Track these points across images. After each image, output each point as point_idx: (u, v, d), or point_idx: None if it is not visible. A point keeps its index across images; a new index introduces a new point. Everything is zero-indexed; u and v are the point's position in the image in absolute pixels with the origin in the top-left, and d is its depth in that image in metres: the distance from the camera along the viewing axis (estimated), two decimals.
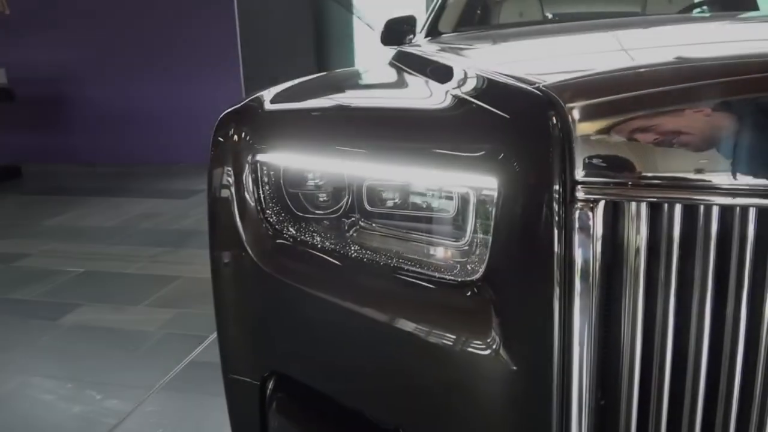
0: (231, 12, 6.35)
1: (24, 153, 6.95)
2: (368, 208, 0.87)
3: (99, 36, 6.76)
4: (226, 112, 1.00)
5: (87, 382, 2.13)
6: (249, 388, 1.02)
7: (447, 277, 0.76)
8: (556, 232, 0.65)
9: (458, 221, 0.78)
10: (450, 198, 0.79)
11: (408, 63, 1.44)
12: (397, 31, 2.61)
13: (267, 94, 1.03)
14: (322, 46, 8.43)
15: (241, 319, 1.00)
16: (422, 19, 2.61)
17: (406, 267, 0.80)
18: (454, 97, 0.87)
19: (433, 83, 1.07)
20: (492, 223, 0.72)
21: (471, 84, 0.92)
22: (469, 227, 0.76)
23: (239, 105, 1.01)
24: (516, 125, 0.71)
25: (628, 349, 0.66)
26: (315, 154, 0.91)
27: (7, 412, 1.97)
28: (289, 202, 0.96)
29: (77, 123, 7.06)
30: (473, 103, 0.80)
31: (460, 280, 0.75)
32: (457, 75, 1.00)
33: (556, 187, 0.65)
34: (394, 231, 0.84)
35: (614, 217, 0.64)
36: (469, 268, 0.75)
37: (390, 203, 0.85)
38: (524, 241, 0.68)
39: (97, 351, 2.39)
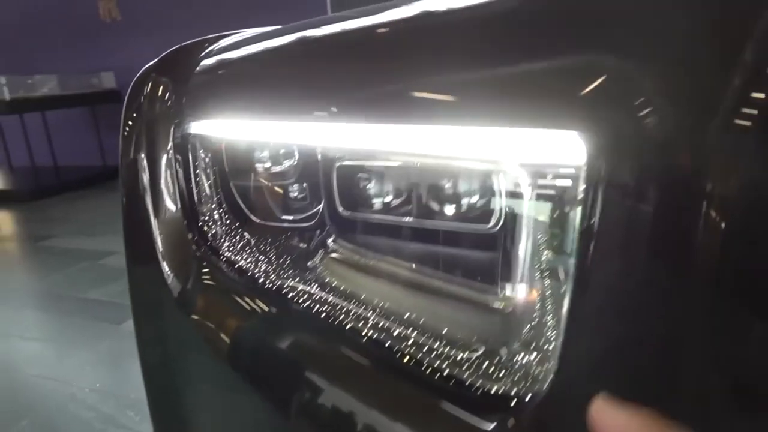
0: None
1: None
2: (342, 211, 0.46)
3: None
4: (146, 66, 0.64)
5: (125, 400, 1.91)
6: None
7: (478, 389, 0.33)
8: None
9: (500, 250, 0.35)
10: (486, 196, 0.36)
11: None
12: None
13: (212, 40, 0.65)
14: None
15: (163, 391, 0.63)
16: None
17: (393, 357, 0.37)
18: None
19: None
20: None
21: None
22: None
23: (166, 54, 0.64)
24: None
25: None
26: (275, 120, 0.51)
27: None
28: (238, 199, 0.58)
29: None
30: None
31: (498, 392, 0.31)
32: None
33: None
34: (377, 262, 0.42)
35: None
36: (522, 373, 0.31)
37: (377, 203, 0.44)
38: None
39: None
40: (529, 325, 0.31)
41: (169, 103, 0.59)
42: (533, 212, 0.31)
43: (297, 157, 0.53)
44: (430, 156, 0.37)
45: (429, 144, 0.35)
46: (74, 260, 3.40)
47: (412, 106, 0.33)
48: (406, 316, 0.38)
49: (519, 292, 0.32)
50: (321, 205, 0.50)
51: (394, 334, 0.38)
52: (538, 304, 0.31)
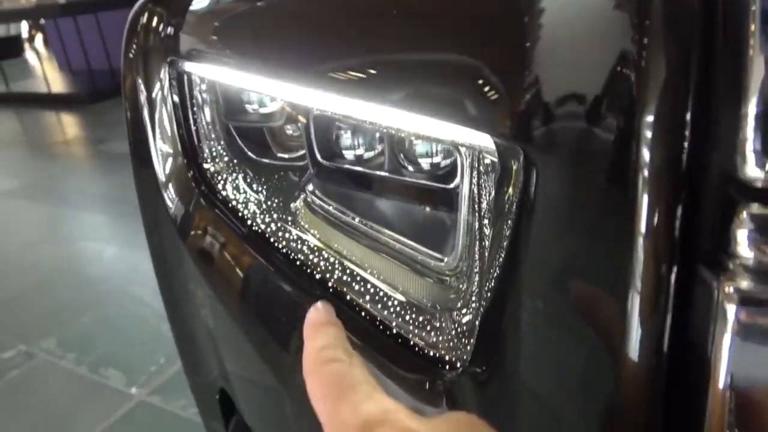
0: None
1: None
2: (320, 159, 0.46)
3: None
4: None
5: None
6: (210, 400, 0.72)
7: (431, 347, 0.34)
8: None
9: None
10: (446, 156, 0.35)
11: None
12: None
13: None
14: None
15: (181, 316, 0.67)
16: None
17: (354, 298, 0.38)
18: None
19: None
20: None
21: None
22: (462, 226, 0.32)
23: None
24: None
25: None
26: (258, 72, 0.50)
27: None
28: (235, 136, 0.59)
29: None
30: None
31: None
32: None
33: None
34: (345, 214, 0.43)
35: None
36: (453, 326, 0.32)
37: (350, 155, 0.43)
38: None
39: None
40: (467, 293, 0.31)
41: (163, 36, 0.59)
42: (478, 185, 0.30)
43: (282, 100, 0.52)
44: (399, 123, 0.36)
45: (389, 117, 0.34)
46: (130, 164, 3.55)
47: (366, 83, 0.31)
48: (365, 271, 0.38)
49: (465, 258, 0.32)
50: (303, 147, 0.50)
51: (354, 287, 0.39)
52: (477, 273, 0.31)
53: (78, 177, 3.67)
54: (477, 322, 0.28)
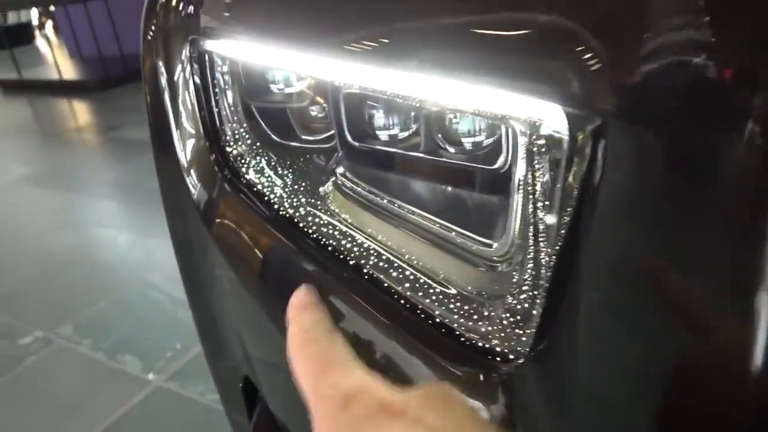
0: None
1: None
2: (350, 140, 0.44)
3: None
4: None
5: None
6: (234, 388, 0.71)
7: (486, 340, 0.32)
8: None
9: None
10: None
11: None
12: None
13: None
14: None
15: (203, 302, 0.66)
16: None
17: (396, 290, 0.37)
18: None
19: None
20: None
21: None
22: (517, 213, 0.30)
23: None
24: None
25: None
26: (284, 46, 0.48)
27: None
28: (259, 118, 0.57)
29: None
30: None
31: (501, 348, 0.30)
32: None
33: None
34: (380, 198, 0.41)
35: None
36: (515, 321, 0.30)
37: (384, 135, 0.41)
38: None
39: None
40: (521, 280, 0.29)
41: (183, 14, 0.57)
42: (534, 164, 0.28)
43: (309, 79, 0.50)
44: (437, 96, 0.34)
45: (433, 89, 0.32)
46: (143, 150, 3.54)
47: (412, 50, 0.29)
48: (404, 257, 0.37)
49: (517, 243, 0.30)
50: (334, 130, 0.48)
51: (392, 274, 0.37)
52: (532, 260, 0.29)
53: (91, 164, 3.68)
54: (536, 311, 0.26)
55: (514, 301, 0.28)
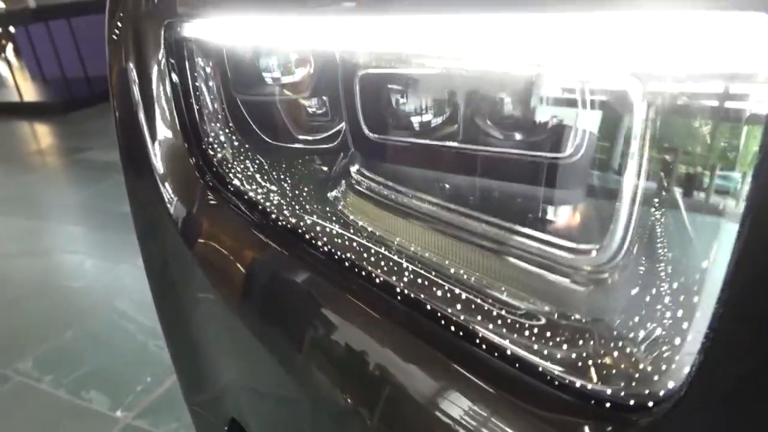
0: None
1: None
2: (367, 133, 0.36)
3: None
4: None
5: None
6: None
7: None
8: None
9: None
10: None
11: None
12: None
13: None
14: None
15: (181, 332, 0.57)
16: None
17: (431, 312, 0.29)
18: None
19: None
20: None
21: None
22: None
23: None
24: None
25: None
26: (284, 13, 0.40)
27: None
28: (246, 116, 0.49)
29: None
30: None
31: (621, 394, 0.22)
32: None
33: None
34: (410, 199, 0.33)
35: None
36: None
37: (411, 124, 0.34)
38: None
39: None
40: (637, 297, 0.21)
41: None
42: (648, 137, 0.21)
43: (312, 64, 0.42)
44: (485, 58, 0.26)
45: (484, 41, 0.24)
46: (110, 173, 3.40)
47: None
48: (450, 271, 0.29)
49: (619, 250, 0.22)
50: (343, 124, 0.40)
51: (438, 294, 0.29)
52: (649, 268, 0.21)
53: (54, 188, 3.52)
54: (687, 336, 0.18)
55: (636, 326, 0.20)
